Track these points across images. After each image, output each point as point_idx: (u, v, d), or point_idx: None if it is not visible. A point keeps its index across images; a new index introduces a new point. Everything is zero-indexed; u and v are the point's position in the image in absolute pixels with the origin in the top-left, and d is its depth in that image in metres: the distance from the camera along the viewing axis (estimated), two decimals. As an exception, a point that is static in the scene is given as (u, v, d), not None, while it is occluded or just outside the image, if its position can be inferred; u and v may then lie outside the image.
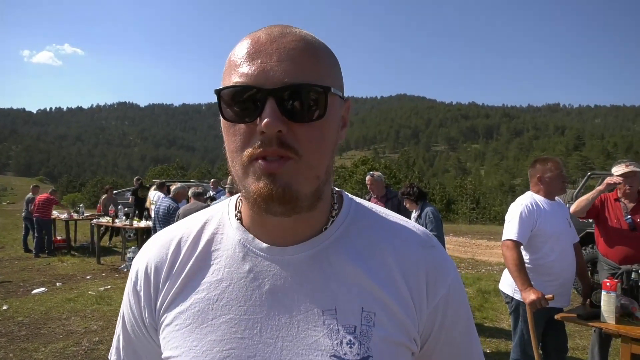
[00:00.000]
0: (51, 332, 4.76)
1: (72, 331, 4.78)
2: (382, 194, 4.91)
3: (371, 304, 0.62)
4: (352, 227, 0.67)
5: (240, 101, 0.56)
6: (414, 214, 4.54)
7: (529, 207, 2.87)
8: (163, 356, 0.65)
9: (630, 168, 3.27)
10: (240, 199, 0.70)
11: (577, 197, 5.41)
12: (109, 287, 6.77)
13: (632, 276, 3.07)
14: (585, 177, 7.41)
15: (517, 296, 2.84)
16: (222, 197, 7.36)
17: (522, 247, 2.85)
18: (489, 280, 7.35)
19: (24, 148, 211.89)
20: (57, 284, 7.00)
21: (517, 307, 2.91)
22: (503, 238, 2.90)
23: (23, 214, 10.56)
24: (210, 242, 0.68)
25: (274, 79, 0.54)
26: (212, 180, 10.56)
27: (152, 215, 7.39)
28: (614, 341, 3.30)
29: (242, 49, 0.58)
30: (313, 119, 0.56)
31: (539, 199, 2.96)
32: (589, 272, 5.45)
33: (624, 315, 2.69)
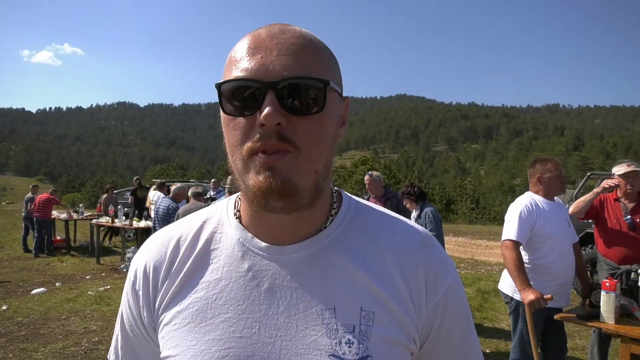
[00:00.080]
0: (51, 332, 4.76)
1: (72, 331, 4.78)
2: (380, 193, 4.91)
3: (370, 303, 0.62)
4: (351, 226, 0.67)
5: (240, 95, 0.56)
6: (414, 214, 4.54)
7: (529, 207, 2.88)
8: (162, 355, 0.65)
9: (632, 168, 3.27)
10: (240, 198, 0.70)
11: (576, 198, 5.42)
12: (109, 287, 6.76)
13: (632, 276, 3.07)
14: (585, 178, 7.41)
15: (517, 296, 2.85)
16: (221, 197, 7.36)
17: (521, 247, 2.85)
18: (489, 280, 7.35)
19: (23, 148, 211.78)
20: (57, 284, 7.00)
21: (516, 307, 2.91)
22: (502, 238, 2.90)
23: (23, 214, 10.55)
24: (209, 241, 0.68)
25: (273, 73, 0.55)
26: (212, 180, 10.56)
27: (152, 215, 7.39)
28: (614, 341, 3.30)
29: (242, 45, 0.59)
30: (312, 113, 0.56)
31: (539, 199, 2.96)
32: (589, 272, 5.46)
33: (623, 315, 2.69)
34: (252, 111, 0.56)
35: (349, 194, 0.73)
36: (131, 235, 9.87)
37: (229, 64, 0.59)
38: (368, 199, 4.78)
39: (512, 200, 3.11)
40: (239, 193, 0.68)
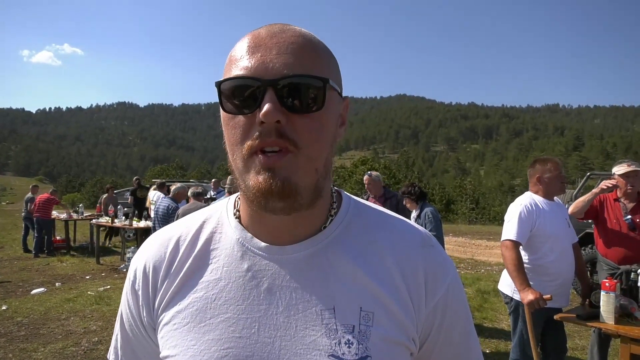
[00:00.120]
0: (50, 332, 4.76)
1: (72, 331, 4.77)
2: (380, 193, 4.90)
3: (370, 303, 0.61)
4: (351, 226, 0.67)
5: (240, 93, 0.56)
6: (414, 214, 4.54)
7: (528, 207, 2.88)
8: (161, 355, 0.65)
9: (632, 168, 3.27)
10: (239, 198, 0.70)
11: (576, 198, 5.42)
12: (108, 287, 6.76)
13: (631, 276, 3.07)
14: (585, 178, 7.42)
15: (517, 296, 2.84)
16: (221, 197, 7.35)
17: (521, 247, 2.85)
18: (489, 280, 7.35)
19: (23, 148, 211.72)
20: (57, 284, 7.00)
21: (516, 308, 2.91)
22: (502, 238, 2.90)
23: (23, 214, 10.55)
24: (208, 241, 0.68)
25: (273, 71, 0.55)
26: (213, 180, 10.55)
27: (152, 215, 7.39)
28: (613, 341, 3.30)
29: (242, 44, 0.59)
30: (312, 111, 0.56)
31: (538, 199, 2.96)
32: (589, 273, 5.46)
33: (623, 315, 2.68)
34: (252, 109, 0.56)
35: (348, 194, 0.72)
36: (131, 235, 9.88)
37: (229, 62, 0.59)
38: (367, 199, 4.78)
39: (512, 200, 3.11)
40: (239, 193, 0.68)
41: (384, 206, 0.76)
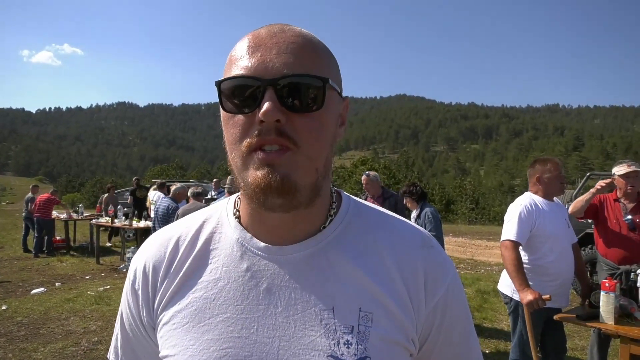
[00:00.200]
0: (50, 332, 4.76)
1: (71, 331, 4.77)
2: (378, 193, 4.89)
3: (369, 304, 0.61)
4: (350, 227, 0.67)
5: (240, 92, 0.57)
6: (414, 214, 4.54)
7: (528, 207, 2.88)
8: (160, 355, 0.65)
9: (632, 168, 3.28)
10: (239, 198, 0.70)
11: (576, 198, 5.42)
12: (108, 287, 6.76)
13: (631, 276, 3.07)
14: (585, 178, 7.42)
15: (516, 297, 2.84)
16: (221, 197, 7.35)
17: (521, 247, 2.85)
18: (488, 280, 7.35)
19: (23, 148, 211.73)
20: (56, 284, 7.00)
21: (516, 308, 2.91)
22: (502, 238, 2.90)
23: (23, 214, 10.55)
24: (208, 241, 0.68)
25: (273, 70, 0.55)
26: (214, 180, 10.54)
27: (152, 215, 7.39)
28: (613, 342, 3.30)
29: (242, 44, 0.59)
30: (311, 110, 0.56)
31: (538, 199, 2.96)
32: (588, 273, 5.46)
33: (622, 315, 2.68)
34: (252, 109, 0.56)
35: (348, 194, 0.72)
36: (131, 235, 9.88)
37: (229, 62, 0.59)
38: (365, 199, 4.78)
39: (512, 200, 3.11)
40: (239, 193, 0.68)
41: (383, 206, 0.76)
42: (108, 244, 11.04)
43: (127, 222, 8.96)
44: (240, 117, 0.57)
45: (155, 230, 6.11)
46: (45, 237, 9.89)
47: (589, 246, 5.97)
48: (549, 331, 2.98)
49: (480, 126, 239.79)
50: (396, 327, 0.62)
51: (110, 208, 9.55)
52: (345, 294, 0.62)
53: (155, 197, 8.63)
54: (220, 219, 0.70)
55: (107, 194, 11.35)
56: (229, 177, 6.46)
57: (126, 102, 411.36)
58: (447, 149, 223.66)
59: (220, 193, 9.53)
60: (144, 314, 0.69)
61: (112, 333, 0.76)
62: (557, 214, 2.96)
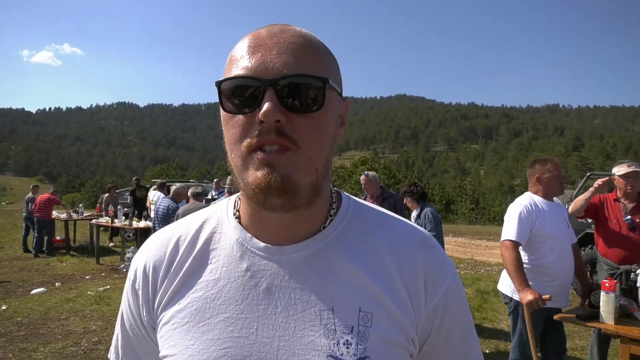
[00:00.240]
0: (50, 332, 4.76)
1: (71, 331, 4.77)
2: (377, 194, 4.88)
3: (369, 304, 0.61)
4: (350, 227, 0.67)
5: (240, 93, 0.57)
6: (414, 214, 4.54)
7: (528, 207, 2.88)
8: (160, 355, 0.65)
9: (632, 168, 3.28)
10: (239, 198, 0.70)
11: (576, 198, 5.42)
12: (108, 287, 6.76)
13: (631, 276, 3.07)
14: (585, 178, 7.42)
15: (516, 297, 2.84)
16: (221, 197, 7.35)
17: (521, 247, 2.85)
18: (488, 280, 7.35)
19: (23, 148, 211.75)
20: (56, 284, 7.00)
21: (516, 308, 2.91)
22: (502, 238, 2.90)
23: (24, 214, 10.55)
24: (208, 241, 0.68)
25: (273, 71, 0.55)
26: (215, 180, 10.53)
27: (152, 215, 7.39)
28: (613, 342, 3.30)
29: (243, 44, 0.59)
30: (311, 110, 0.56)
31: (538, 199, 2.96)
32: (588, 273, 5.46)
33: (622, 315, 2.68)
34: (252, 109, 0.56)
35: (348, 194, 0.72)
36: (131, 235, 9.88)
37: (230, 62, 0.59)
38: (365, 199, 4.77)
39: (512, 200, 3.11)
40: (239, 193, 0.68)
41: (382, 206, 0.76)
42: (111, 244, 11.03)
43: (127, 222, 8.97)
44: (240, 117, 0.57)
45: (155, 230, 6.11)
46: (45, 237, 9.89)
47: (589, 246, 5.97)
48: (549, 331, 2.98)
49: (480, 126, 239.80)
50: (396, 327, 0.62)
51: (110, 208, 9.55)
52: (345, 294, 0.61)
53: (155, 197, 8.63)
54: (220, 219, 0.70)
55: (107, 194, 11.35)
56: (229, 177, 6.45)
57: (126, 102, 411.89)
58: (447, 149, 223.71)
59: (220, 193, 9.53)
60: (144, 313, 0.69)
61: (112, 333, 0.77)
62: (557, 214, 2.96)
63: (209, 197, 9.50)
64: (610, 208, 3.41)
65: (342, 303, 0.61)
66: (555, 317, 2.79)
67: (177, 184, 7.08)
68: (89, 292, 6.36)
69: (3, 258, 9.52)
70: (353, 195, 0.76)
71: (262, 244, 0.64)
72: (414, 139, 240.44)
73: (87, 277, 7.59)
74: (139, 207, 10.93)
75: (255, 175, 0.56)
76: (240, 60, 0.58)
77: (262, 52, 0.57)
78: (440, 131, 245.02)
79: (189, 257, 0.67)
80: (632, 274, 3.07)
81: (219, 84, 0.58)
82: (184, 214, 4.82)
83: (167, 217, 6.05)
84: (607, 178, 3.32)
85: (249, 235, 0.66)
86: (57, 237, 10.46)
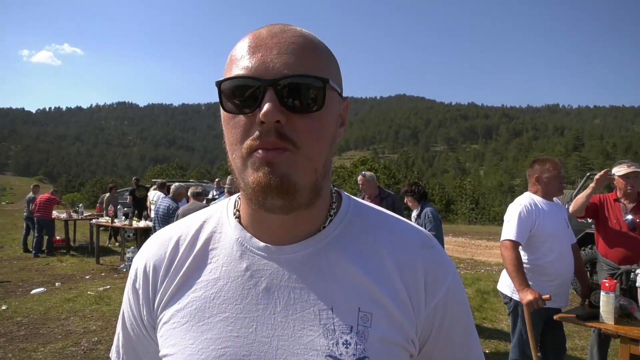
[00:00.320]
0: (50, 332, 4.76)
1: (71, 331, 4.77)
2: (375, 194, 4.88)
3: (368, 304, 0.61)
4: (350, 227, 0.67)
5: (240, 93, 0.57)
6: (414, 214, 4.54)
7: (528, 207, 2.88)
8: (160, 354, 0.65)
9: (632, 169, 3.28)
10: (239, 198, 0.70)
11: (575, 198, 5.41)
12: (108, 287, 6.76)
13: (631, 276, 3.08)
14: (584, 178, 7.41)
15: (516, 297, 2.84)
16: (221, 197, 7.35)
17: (520, 247, 2.85)
18: (488, 280, 7.35)
19: (23, 148, 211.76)
20: (56, 284, 7.00)
21: (515, 308, 2.91)
22: (502, 238, 2.90)
23: (25, 214, 10.55)
24: (208, 240, 0.68)
25: (273, 71, 0.55)
26: (216, 180, 10.52)
27: (152, 215, 7.39)
28: (613, 342, 3.30)
29: (243, 44, 0.59)
30: (312, 111, 0.56)
31: (538, 199, 2.96)
32: (588, 273, 5.46)
33: (622, 315, 2.68)
34: (252, 109, 0.56)
35: (348, 194, 0.72)
36: (131, 235, 9.88)
37: (230, 62, 0.59)
38: (363, 199, 4.76)
39: (512, 200, 3.11)
40: (239, 193, 0.68)
41: (381, 206, 0.76)
42: (116, 244, 11.02)
43: (127, 222, 8.97)
44: (240, 117, 0.57)
45: (155, 230, 6.11)
46: (45, 237, 9.89)
47: (589, 246, 5.97)
48: (548, 331, 2.98)
49: (480, 126, 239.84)
50: (395, 327, 0.62)
51: (110, 208, 9.55)
52: (344, 294, 0.61)
53: (155, 197, 8.63)
54: (220, 219, 0.70)
55: (108, 194, 11.35)
56: (229, 177, 6.45)
57: (126, 102, 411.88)
58: (447, 149, 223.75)
59: (221, 193, 9.53)
60: (145, 313, 0.69)
61: (112, 333, 0.77)
62: (556, 214, 2.96)
63: (210, 197, 9.50)
64: (610, 208, 3.41)
65: (341, 303, 0.61)
66: (555, 317, 2.79)
67: (176, 184, 7.08)
68: (89, 292, 6.36)
69: (3, 258, 9.52)
70: (353, 195, 0.76)
71: (261, 244, 0.64)
72: (413, 139, 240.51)
73: (87, 277, 7.59)
74: (139, 207, 10.93)
75: (255, 175, 0.56)
76: (241, 60, 0.57)
77: (263, 52, 0.56)
78: (440, 131, 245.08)
79: (189, 257, 0.67)
80: (632, 274, 3.07)
81: (219, 84, 0.58)
82: (184, 214, 4.83)
83: (167, 217, 6.05)
84: (605, 170, 3.30)
85: (248, 235, 0.66)
86: (57, 237, 10.47)
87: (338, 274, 0.63)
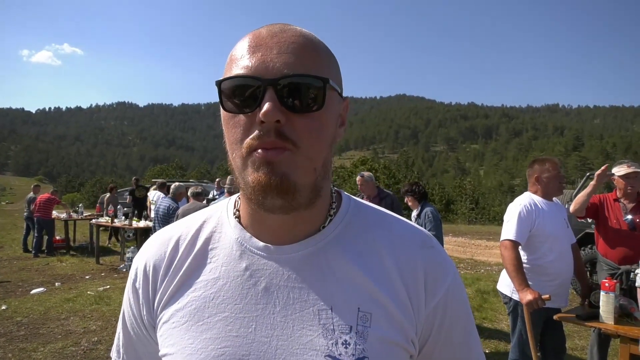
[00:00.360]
0: (50, 332, 4.76)
1: (71, 331, 4.77)
2: (374, 194, 4.87)
3: (368, 304, 0.61)
4: (350, 226, 0.67)
5: (240, 92, 0.56)
6: (414, 213, 4.54)
7: (528, 207, 2.88)
8: (160, 353, 0.65)
9: (632, 169, 3.28)
10: (239, 198, 0.70)
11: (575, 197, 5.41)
12: (108, 287, 6.76)
13: (631, 276, 3.08)
14: (584, 178, 7.41)
15: (516, 296, 2.84)
16: (221, 197, 7.35)
17: (520, 247, 2.85)
18: (488, 280, 7.35)
19: (22, 148, 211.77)
20: (56, 284, 6.99)
21: (515, 308, 2.91)
22: (501, 238, 2.90)
23: (25, 214, 10.55)
24: (208, 240, 0.68)
25: (273, 70, 0.55)
26: (217, 180, 10.52)
27: (152, 215, 7.39)
28: (613, 341, 3.30)
29: (243, 44, 0.59)
30: (312, 110, 0.56)
31: (537, 199, 2.96)
32: (588, 273, 5.46)
33: (622, 315, 2.68)
34: (252, 108, 0.56)
35: (348, 194, 0.72)
36: (130, 235, 9.87)
37: (230, 62, 0.59)
38: (362, 199, 4.75)
39: (512, 200, 3.11)
40: (239, 193, 0.68)
41: (380, 206, 0.76)
42: (117, 243, 11.02)
43: (127, 222, 8.97)
44: (241, 117, 0.57)
45: (155, 230, 6.11)
46: (45, 237, 9.89)
47: (589, 246, 5.96)
48: (548, 331, 2.98)
49: (480, 126, 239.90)
50: (395, 327, 0.62)
51: (110, 208, 9.55)
52: (343, 294, 0.61)
53: (155, 197, 8.63)
54: (220, 219, 0.70)
55: (108, 194, 11.35)
56: (229, 177, 6.45)
57: (126, 102, 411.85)
58: (447, 149, 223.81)
59: (221, 193, 9.52)
60: (145, 312, 0.69)
61: (112, 333, 0.77)
62: (556, 214, 2.96)
63: (210, 197, 9.50)
64: (610, 208, 3.41)
65: (341, 303, 0.61)
66: (555, 317, 2.79)
67: (176, 184, 7.07)
68: (88, 292, 6.36)
69: (3, 258, 9.51)
70: (353, 195, 0.76)
71: (261, 244, 0.64)
72: (413, 139, 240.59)
73: (87, 277, 7.59)
74: (139, 207, 10.93)
75: (255, 175, 0.56)
76: (241, 59, 0.57)
77: (263, 52, 0.56)
78: (440, 131, 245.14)
79: (188, 257, 0.67)
80: (632, 273, 3.07)
81: (219, 84, 0.58)
82: (184, 214, 4.83)
83: (167, 217, 6.05)
84: (606, 165, 3.30)
85: (248, 234, 0.66)
86: (57, 237, 10.46)
87: (338, 274, 0.62)
